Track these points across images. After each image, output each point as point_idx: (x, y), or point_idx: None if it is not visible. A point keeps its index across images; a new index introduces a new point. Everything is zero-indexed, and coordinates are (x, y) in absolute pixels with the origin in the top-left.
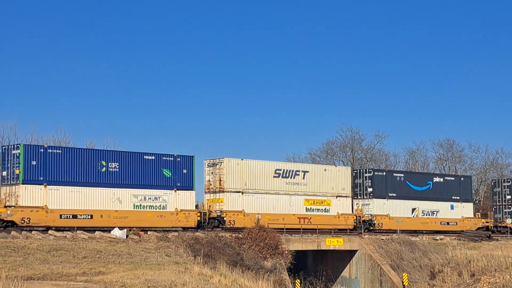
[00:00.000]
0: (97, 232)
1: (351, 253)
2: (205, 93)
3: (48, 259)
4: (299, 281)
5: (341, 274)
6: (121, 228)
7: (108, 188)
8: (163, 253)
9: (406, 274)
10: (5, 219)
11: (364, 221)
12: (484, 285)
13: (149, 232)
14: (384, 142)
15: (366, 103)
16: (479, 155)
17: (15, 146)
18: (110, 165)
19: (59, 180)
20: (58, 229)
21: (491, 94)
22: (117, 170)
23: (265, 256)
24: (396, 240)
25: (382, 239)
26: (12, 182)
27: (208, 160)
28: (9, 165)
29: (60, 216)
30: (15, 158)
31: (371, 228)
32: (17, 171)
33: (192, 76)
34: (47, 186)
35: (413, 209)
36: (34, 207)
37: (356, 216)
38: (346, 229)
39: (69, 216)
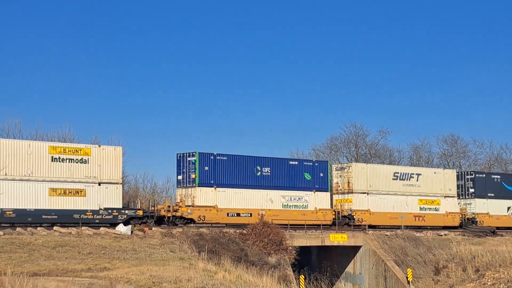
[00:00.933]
0: (101, 228)
1: (355, 249)
2: (205, 89)
3: (54, 255)
4: (303, 277)
5: (346, 270)
6: (126, 224)
7: (262, 190)
8: (167, 249)
9: (411, 270)
10: (186, 217)
11: (468, 219)
12: (489, 280)
13: (153, 228)
14: (388, 137)
15: (370, 99)
16: (483, 151)
17: (191, 154)
18: (264, 169)
19: (226, 183)
20: (217, 226)
21: (495, 89)
22: (269, 174)
23: (269, 252)
24: (400, 236)
25: (386, 235)
26: (188, 185)
27: (336, 165)
28: (184, 170)
29: (227, 214)
30: (191, 164)
31: (473, 225)
32: (193, 176)
33: (194, 74)
34: (217, 188)
35: (508, 208)
36: (208, 207)
37: (462, 215)
38: (455, 227)
39: (234, 214)
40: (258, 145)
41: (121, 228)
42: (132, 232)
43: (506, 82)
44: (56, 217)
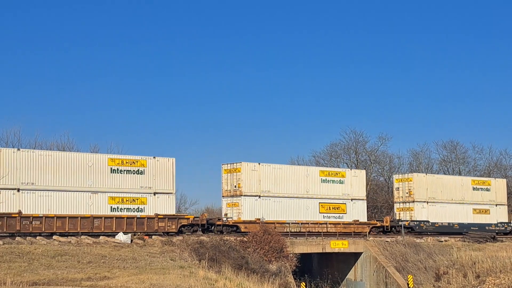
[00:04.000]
0: (101, 237)
1: (356, 256)
2: (207, 95)
3: (53, 264)
4: (304, 284)
5: (346, 277)
6: (125, 233)
7: None
8: (167, 257)
9: (411, 276)
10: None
11: None
12: (489, 286)
13: (153, 237)
14: (387, 144)
15: (369, 105)
16: (482, 156)
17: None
18: None
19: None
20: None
21: (495, 95)
22: None
23: (270, 259)
24: (401, 242)
25: (386, 241)
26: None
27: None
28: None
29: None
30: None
31: None
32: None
33: (193, 81)
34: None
35: None
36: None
37: None
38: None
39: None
40: (259, 151)
41: (120, 237)
42: (131, 240)
43: (506, 88)
44: None
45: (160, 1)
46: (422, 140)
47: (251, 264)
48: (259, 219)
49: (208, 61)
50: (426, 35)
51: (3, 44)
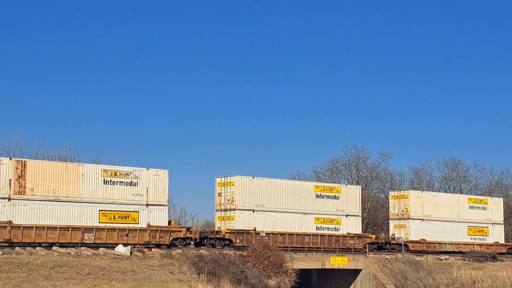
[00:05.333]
0: (101, 249)
1: (355, 272)
2: (210, 108)
3: (52, 275)
4: None
5: None
6: (125, 244)
7: None
8: (167, 270)
9: None
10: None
11: None
12: None
13: (153, 249)
14: (389, 161)
15: (371, 122)
16: (484, 175)
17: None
18: None
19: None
20: None
21: (497, 114)
22: None
23: (269, 274)
24: (401, 260)
25: (386, 259)
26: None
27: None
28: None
29: None
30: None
31: None
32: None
33: (201, 95)
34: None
35: None
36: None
37: None
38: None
39: None
40: (259, 166)
41: (120, 249)
42: (131, 253)
43: (508, 107)
44: None
45: (157, 17)
46: (424, 157)
47: (250, 279)
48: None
49: (218, 76)
50: (427, 54)
51: (4, 53)
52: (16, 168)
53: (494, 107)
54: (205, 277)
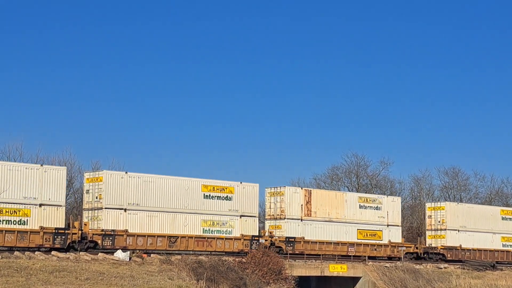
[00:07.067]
0: (100, 254)
1: (354, 280)
2: (210, 115)
3: (51, 280)
4: None
5: None
6: (124, 250)
7: None
8: (165, 276)
9: None
10: None
11: None
12: None
13: (152, 255)
14: (389, 168)
15: (371, 130)
16: (484, 184)
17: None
18: None
19: None
20: None
21: (497, 123)
22: None
23: (268, 281)
24: (400, 268)
25: (386, 267)
26: None
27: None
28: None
29: None
30: None
31: None
32: None
33: (199, 104)
34: None
35: None
36: None
37: None
38: None
39: None
40: (260, 173)
41: (119, 254)
42: (130, 258)
43: (508, 116)
44: None
45: (155, 25)
46: (424, 165)
47: (249, 286)
48: None
49: (215, 82)
50: (427, 62)
51: (4, 57)
52: (305, 195)
53: (495, 116)
54: (204, 283)
